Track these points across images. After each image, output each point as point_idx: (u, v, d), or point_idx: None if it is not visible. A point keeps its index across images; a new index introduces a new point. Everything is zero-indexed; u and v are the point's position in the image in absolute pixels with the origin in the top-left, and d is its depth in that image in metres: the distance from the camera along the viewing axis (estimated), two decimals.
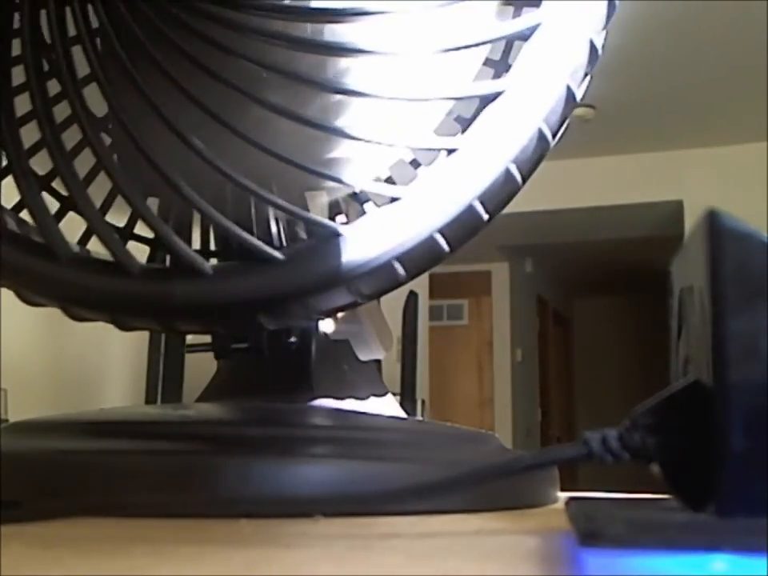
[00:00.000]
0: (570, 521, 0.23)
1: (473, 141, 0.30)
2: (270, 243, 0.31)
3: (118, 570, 0.19)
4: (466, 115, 0.37)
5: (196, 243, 0.37)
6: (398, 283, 0.31)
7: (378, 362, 0.47)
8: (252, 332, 0.37)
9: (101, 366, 3.63)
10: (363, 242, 0.30)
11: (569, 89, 0.31)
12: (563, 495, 0.36)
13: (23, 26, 0.31)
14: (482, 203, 0.30)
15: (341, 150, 0.32)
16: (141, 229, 0.36)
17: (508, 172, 0.30)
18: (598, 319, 6.43)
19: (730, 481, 0.19)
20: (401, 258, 0.30)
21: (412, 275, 0.31)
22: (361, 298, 0.32)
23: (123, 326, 0.33)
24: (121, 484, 0.29)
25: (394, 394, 0.47)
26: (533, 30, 0.30)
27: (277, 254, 0.29)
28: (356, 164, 0.33)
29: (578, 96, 0.31)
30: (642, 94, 3.23)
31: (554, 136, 0.31)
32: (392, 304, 0.52)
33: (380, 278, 0.31)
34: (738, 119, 3.43)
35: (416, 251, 0.30)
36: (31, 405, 2.86)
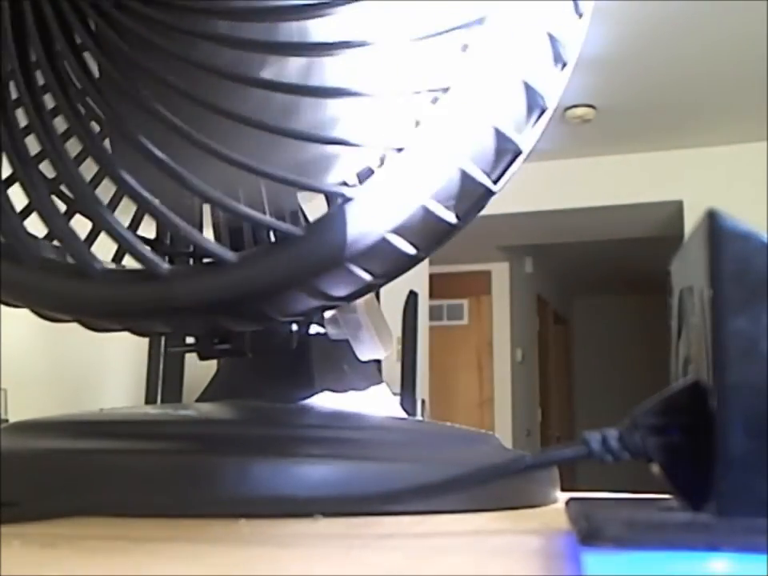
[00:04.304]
0: (569, 521, 0.23)
1: (421, 139, 0.29)
2: (240, 245, 0.30)
3: (117, 570, 0.19)
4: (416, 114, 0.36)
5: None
6: (366, 285, 0.31)
7: (378, 361, 0.47)
8: (226, 333, 0.37)
9: (101, 366, 3.63)
10: (316, 244, 0.29)
11: (527, 85, 0.29)
12: (563, 495, 0.36)
13: (6, 40, 0.31)
14: (447, 206, 0.29)
15: (303, 150, 0.32)
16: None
17: (464, 171, 0.29)
18: (598, 319, 6.43)
19: (730, 481, 0.19)
20: (356, 260, 0.29)
21: (380, 276, 0.31)
22: (327, 300, 0.31)
23: (90, 327, 0.33)
24: (120, 484, 0.29)
25: (394, 394, 0.47)
26: (477, 22, 0.29)
27: (229, 256, 0.29)
28: (320, 164, 0.33)
29: (547, 92, 0.30)
30: (642, 94, 3.22)
31: (522, 133, 0.30)
32: (392, 304, 0.52)
33: (341, 280, 0.30)
34: (738, 119, 3.43)
35: (373, 252, 0.29)
36: (31, 405, 2.86)
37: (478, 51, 0.29)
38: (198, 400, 0.41)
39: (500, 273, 4.94)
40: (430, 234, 0.30)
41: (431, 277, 3.95)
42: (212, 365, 0.41)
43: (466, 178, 0.29)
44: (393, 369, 2.37)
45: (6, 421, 1.29)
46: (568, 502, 0.25)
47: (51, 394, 3.24)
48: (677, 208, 3.73)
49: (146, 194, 0.29)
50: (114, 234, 0.30)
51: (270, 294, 0.30)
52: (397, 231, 0.29)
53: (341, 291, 0.31)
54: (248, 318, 0.31)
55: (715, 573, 0.16)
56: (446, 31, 0.29)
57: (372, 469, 0.30)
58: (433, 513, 0.29)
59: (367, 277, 0.30)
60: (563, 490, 0.37)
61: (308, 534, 0.25)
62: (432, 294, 4.14)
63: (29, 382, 3.17)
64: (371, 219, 0.29)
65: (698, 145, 3.69)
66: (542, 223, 4.10)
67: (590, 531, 0.18)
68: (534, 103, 0.30)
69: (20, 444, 0.31)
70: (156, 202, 0.29)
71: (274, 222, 0.29)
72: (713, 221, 0.19)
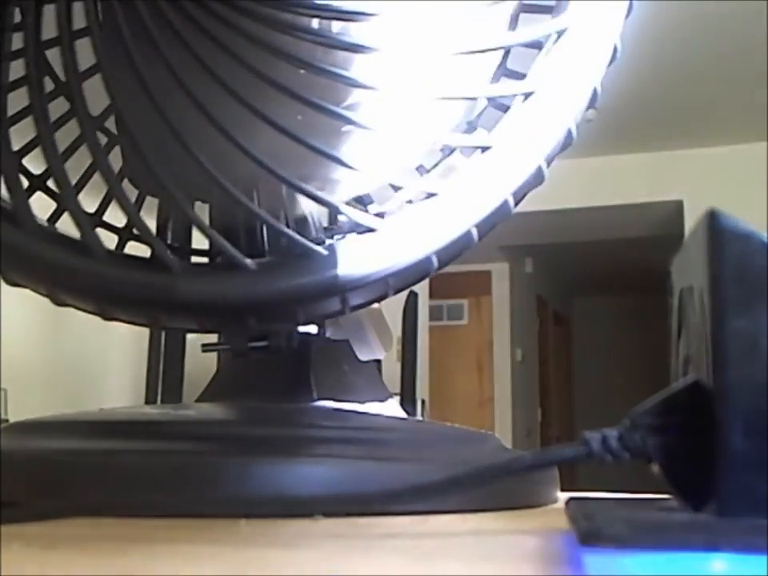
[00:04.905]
0: (569, 521, 0.23)
1: (506, 139, 0.31)
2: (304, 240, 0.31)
3: (117, 570, 0.19)
4: (479, 119, 0.37)
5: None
6: (426, 275, 0.32)
7: (378, 361, 0.46)
8: (276, 329, 0.37)
9: (101, 366, 3.63)
10: (402, 237, 0.30)
11: (595, 91, 0.32)
12: (563, 495, 0.36)
13: (27, 20, 0.31)
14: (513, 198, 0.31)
15: (368, 144, 0.33)
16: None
17: (539, 169, 0.31)
18: (598, 319, 6.43)
19: (730, 481, 0.19)
20: (438, 252, 0.31)
21: (440, 268, 0.32)
22: (392, 290, 0.32)
23: (161, 326, 0.33)
24: (120, 484, 0.29)
25: (394, 394, 0.47)
26: (560, 34, 0.31)
27: (319, 249, 0.30)
28: (378, 162, 0.34)
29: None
30: (643, 95, 3.22)
31: None
32: (392, 304, 0.52)
33: (413, 272, 0.31)
34: (737, 119, 3.43)
35: (453, 246, 0.31)
36: (31, 405, 2.86)
37: (561, 58, 0.31)
38: (198, 400, 0.41)
39: (500, 273, 4.94)
40: (489, 226, 0.32)
41: (431, 277, 3.95)
42: (212, 365, 0.41)
43: (538, 174, 0.31)
44: (393, 369, 2.36)
45: (6, 421, 1.29)
46: (568, 501, 0.25)
47: (51, 394, 3.24)
48: (677, 208, 3.73)
49: (245, 198, 0.30)
50: (203, 230, 0.30)
51: (358, 285, 0.31)
52: (477, 226, 0.31)
53: (410, 280, 0.32)
54: (329, 309, 0.32)
55: (715, 573, 0.16)
56: (533, 41, 0.31)
57: (372, 469, 0.30)
58: (433, 513, 0.29)
59: (436, 267, 0.31)
60: (563, 490, 0.37)
61: (308, 534, 0.25)
62: (432, 294, 4.14)
63: (29, 382, 3.17)
64: (459, 214, 0.30)
65: (698, 145, 3.69)
66: (542, 223, 4.10)
67: (589, 531, 0.18)
68: (591, 106, 0.32)
69: (20, 444, 0.31)
70: (252, 202, 0.30)
71: (364, 216, 0.30)
72: (713, 221, 0.19)
